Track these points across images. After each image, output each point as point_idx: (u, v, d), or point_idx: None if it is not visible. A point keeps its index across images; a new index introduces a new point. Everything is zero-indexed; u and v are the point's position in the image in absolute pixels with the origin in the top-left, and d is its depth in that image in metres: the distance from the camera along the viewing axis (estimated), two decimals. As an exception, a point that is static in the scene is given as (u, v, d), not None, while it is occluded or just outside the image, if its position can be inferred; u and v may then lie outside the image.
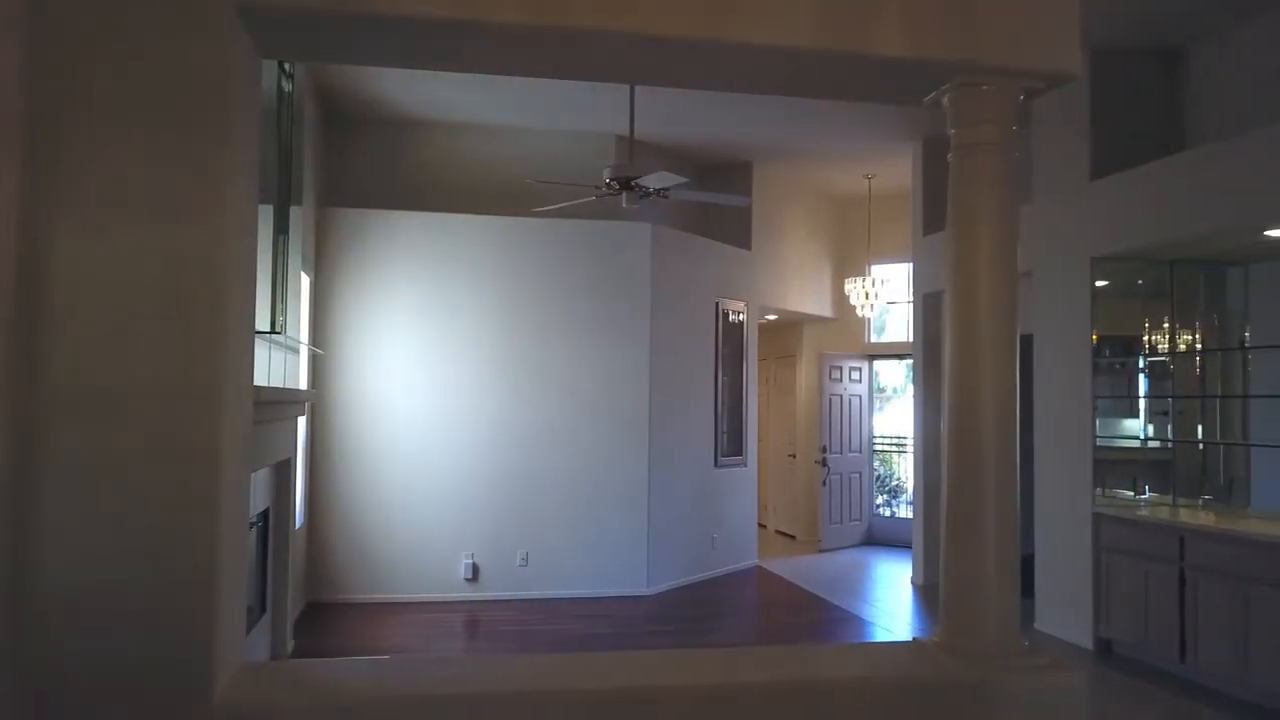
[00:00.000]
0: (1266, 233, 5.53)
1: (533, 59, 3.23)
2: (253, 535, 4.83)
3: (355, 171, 8.20)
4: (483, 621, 7.15)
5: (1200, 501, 6.32)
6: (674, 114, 8.03)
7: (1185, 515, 5.97)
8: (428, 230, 7.77)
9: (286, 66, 5.37)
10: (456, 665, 3.24)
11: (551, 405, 7.84)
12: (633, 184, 6.29)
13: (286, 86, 5.40)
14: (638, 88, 6.63)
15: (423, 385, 7.67)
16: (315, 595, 7.42)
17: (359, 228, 7.67)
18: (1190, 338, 6.58)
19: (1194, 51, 6.38)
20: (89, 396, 2.59)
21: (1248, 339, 6.30)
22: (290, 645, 5.76)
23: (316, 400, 7.39)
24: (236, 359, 2.86)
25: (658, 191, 6.40)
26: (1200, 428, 6.55)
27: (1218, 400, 6.47)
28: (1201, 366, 6.56)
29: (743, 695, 2.94)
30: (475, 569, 7.71)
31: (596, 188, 6.47)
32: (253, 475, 4.33)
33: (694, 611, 7.62)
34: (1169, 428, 6.65)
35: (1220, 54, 6.18)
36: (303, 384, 6.82)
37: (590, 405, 7.91)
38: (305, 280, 6.99)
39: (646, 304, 8.07)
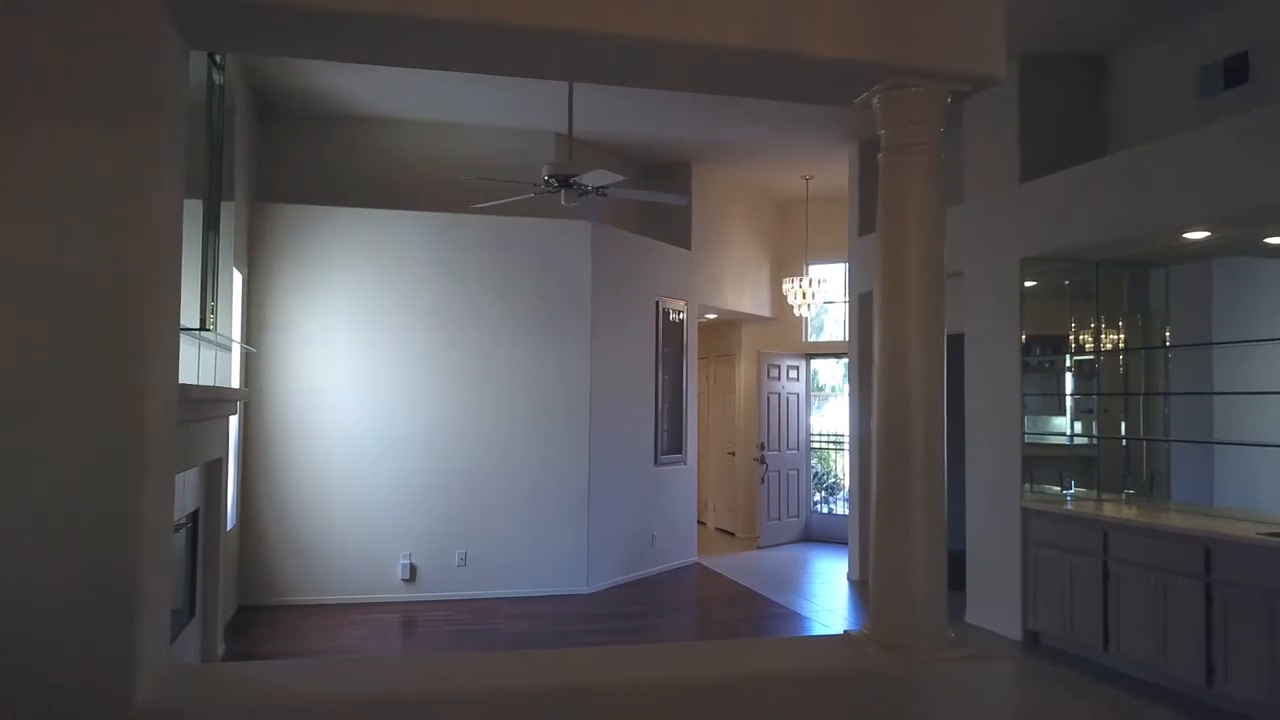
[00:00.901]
0: (1185, 235, 5.72)
1: (468, 55, 3.21)
2: (180, 537, 4.73)
3: (290, 166, 8.06)
4: (420, 622, 7.08)
5: (1123, 496, 6.51)
6: (614, 112, 8.03)
7: (1109, 509, 6.15)
8: (365, 227, 7.67)
9: (217, 58, 5.26)
10: (390, 666, 3.21)
11: (491, 404, 7.80)
12: (571, 182, 6.28)
13: (217, 78, 5.29)
14: (577, 85, 6.62)
15: (359, 384, 7.57)
16: (248, 598, 7.28)
17: (294, 224, 7.54)
18: (1115, 337, 6.78)
19: (1116, 59, 6.57)
20: (3, 396, 2.51)
21: (1168, 338, 6.51)
22: (221, 649, 5.65)
23: (249, 399, 7.26)
24: (161, 356, 2.80)
25: (596, 189, 6.40)
26: (1124, 424, 6.75)
27: (1140, 398, 6.67)
28: (1125, 365, 6.76)
29: (680, 691, 2.96)
30: (413, 569, 7.63)
31: (535, 185, 6.45)
32: (181, 476, 4.23)
33: (633, 609, 7.64)
34: (1094, 425, 6.84)
35: (1140, 61, 6.37)
36: (235, 382, 6.69)
37: (530, 403, 7.88)
38: (237, 277, 6.85)
39: (586, 302, 8.07)
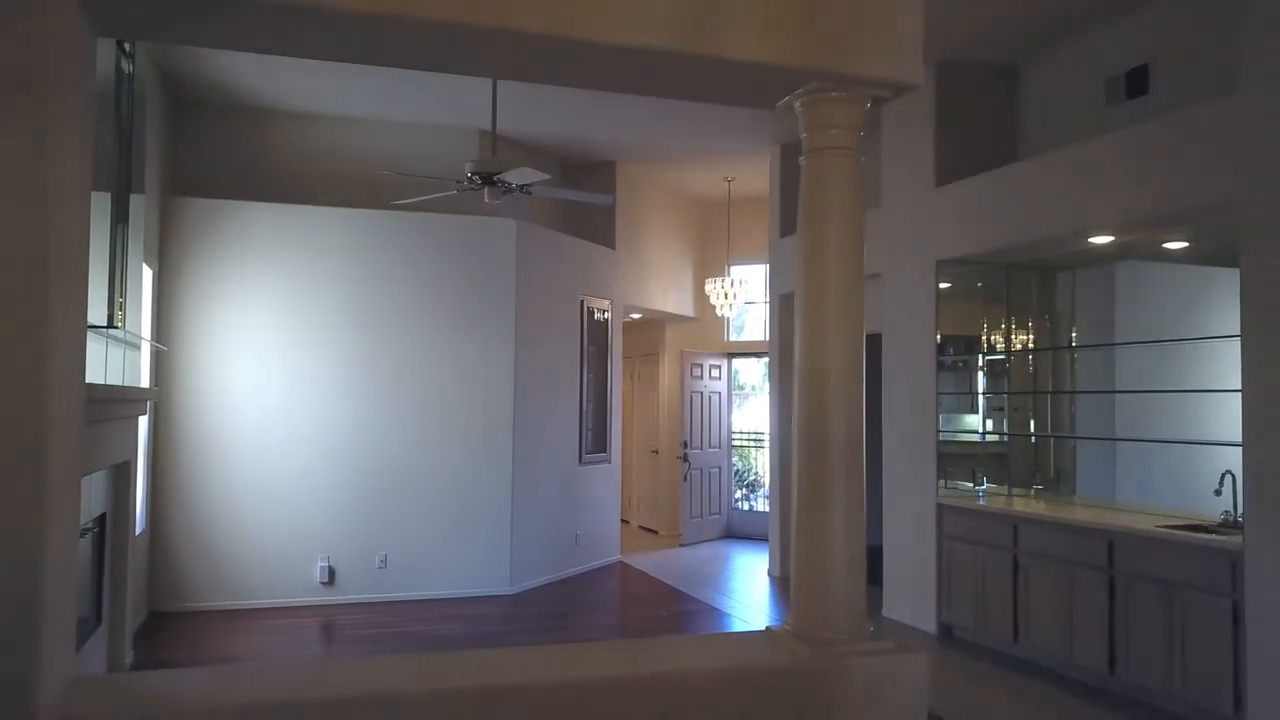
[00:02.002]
0: (1090, 240, 5.94)
1: (383, 49, 3.16)
2: (86, 542, 4.56)
3: (204, 160, 7.83)
4: (339, 626, 6.96)
5: (1033, 491, 6.74)
6: (538, 110, 8.00)
7: (1019, 504, 6.36)
8: (283, 222, 7.50)
9: (127, 46, 5.09)
10: (306, 670, 3.15)
11: (413, 403, 7.69)
12: (495, 179, 6.24)
13: (126, 67, 5.12)
14: (502, 83, 6.58)
15: (277, 383, 7.40)
16: (159, 604, 7.06)
17: (208, 218, 7.33)
18: (1024, 337, 7.01)
19: (1028, 69, 6.79)
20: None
21: (1074, 339, 6.75)
22: (129, 658, 5.46)
23: (160, 399, 7.03)
24: (65, 354, 2.69)
25: (520, 187, 6.37)
26: (1033, 422, 6.98)
27: (1048, 396, 6.91)
28: (1034, 364, 7.00)
29: (602, 688, 2.97)
30: (331, 572, 7.49)
31: (458, 182, 6.39)
32: (87, 479, 4.08)
33: (557, 609, 7.63)
34: (1005, 422, 7.07)
35: (1049, 72, 6.60)
36: (145, 382, 6.48)
37: (453, 403, 7.80)
38: (148, 272, 6.64)
39: (511, 301, 8.02)
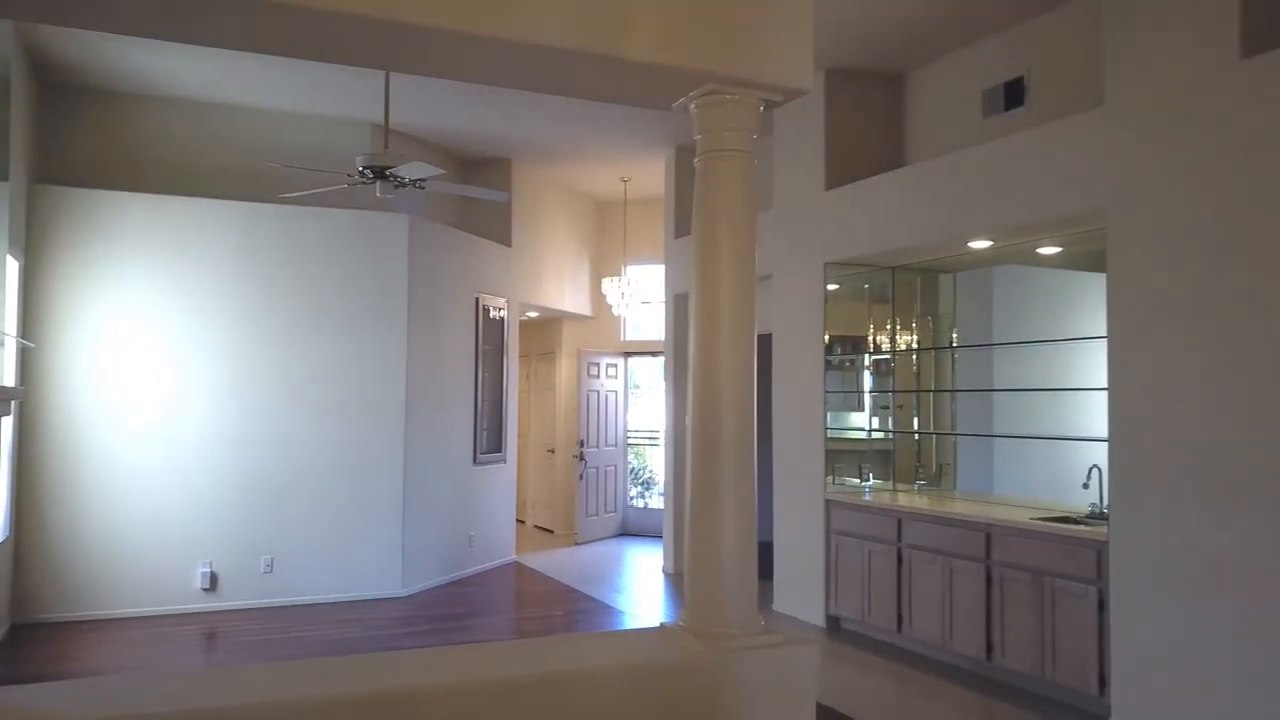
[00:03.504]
0: (970, 244, 6.19)
1: (277, 38, 3.06)
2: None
3: (78, 147, 7.43)
4: (223, 633, 6.72)
5: (916, 486, 6.98)
6: (433, 105, 7.88)
7: (903, 499, 6.58)
8: (162, 214, 7.19)
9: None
10: (184, 681, 3.02)
11: (300, 403, 7.48)
12: (387, 173, 6.11)
13: (-12, 47, 4.83)
14: (395, 76, 6.45)
15: (154, 382, 7.09)
16: (24, 615, 6.68)
17: (82, 209, 6.97)
18: (909, 338, 7.25)
19: (912, 76, 7.03)
20: None
21: (955, 339, 7.02)
22: (-10, 672, 5.16)
23: (25, 398, 6.65)
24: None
25: (413, 182, 6.26)
26: (916, 419, 7.23)
27: (931, 395, 7.17)
28: (918, 364, 7.25)
29: (497, 690, 2.95)
30: (213, 577, 7.22)
31: (349, 176, 6.24)
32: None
33: (450, 610, 7.53)
34: (890, 420, 7.30)
35: (933, 80, 6.84)
36: (8, 379, 6.12)
37: (342, 402, 7.62)
38: (12, 264, 6.28)
39: (403, 297, 7.87)
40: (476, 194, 7.27)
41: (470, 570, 8.80)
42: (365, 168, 6.11)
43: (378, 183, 6.15)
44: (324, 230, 7.63)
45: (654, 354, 11.62)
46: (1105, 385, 4.83)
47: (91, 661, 5.93)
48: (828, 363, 6.97)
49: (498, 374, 9.39)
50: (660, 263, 10.13)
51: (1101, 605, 4.80)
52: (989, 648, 5.44)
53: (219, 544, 7.24)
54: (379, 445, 7.74)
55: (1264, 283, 4.09)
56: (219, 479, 7.24)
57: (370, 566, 7.71)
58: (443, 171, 6.32)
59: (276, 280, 7.47)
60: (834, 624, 6.78)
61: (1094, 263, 5.10)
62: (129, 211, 7.10)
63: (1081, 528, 5.08)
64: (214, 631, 6.75)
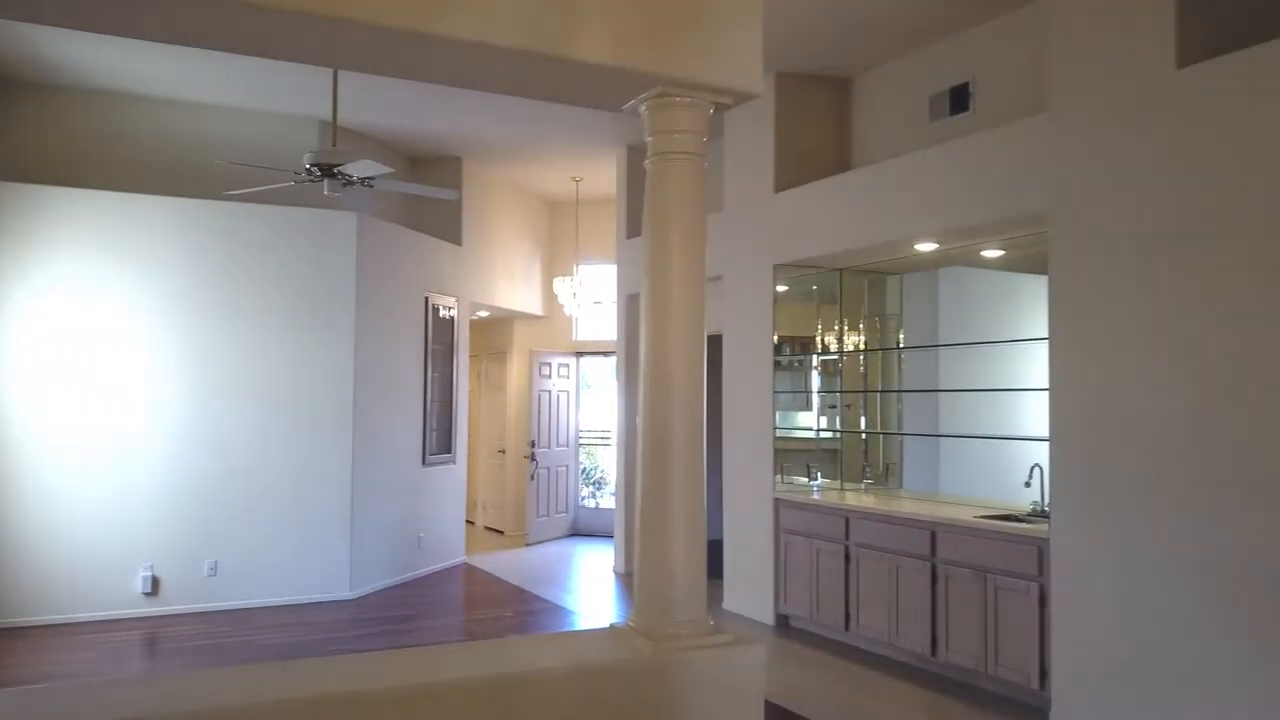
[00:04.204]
0: (916, 246, 6.28)
1: (220, 33, 3.00)
2: None
3: (19, 142, 7.23)
4: (165, 638, 6.58)
5: (863, 485, 7.07)
6: (382, 102, 7.80)
7: (850, 498, 6.66)
8: (102, 211, 7.02)
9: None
10: (121, 688, 2.96)
11: (245, 403, 7.36)
12: (335, 171, 6.05)
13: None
14: (345, 73, 6.38)
15: (93, 382, 6.93)
16: (-46, 622, 6.50)
17: (15, 204, 6.78)
18: (856, 339, 7.35)
19: (860, 81, 7.12)
20: None
21: (902, 340, 7.13)
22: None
23: (-43, 399, 6.47)
24: None
25: (362, 180, 6.19)
26: (863, 419, 7.33)
27: (878, 395, 7.27)
28: (865, 364, 7.34)
29: (446, 692, 2.93)
30: (155, 581, 7.08)
31: (296, 173, 6.16)
32: None
33: (399, 612, 7.47)
34: (837, 420, 7.39)
35: (880, 85, 6.94)
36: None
37: (288, 403, 7.51)
38: (-58, 261, 6.10)
39: (351, 297, 7.78)
40: (426, 192, 7.22)
41: (419, 572, 8.73)
42: (313, 165, 6.03)
43: (325, 181, 6.08)
44: (270, 228, 7.51)
45: (606, 354, 11.62)
46: (1047, 385, 4.93)
47: (25, 670, 5.77)
48: (777, 363, 7.03)
49: (448, 374, 9.32)
50: (612, 263, 10.14)
51: (1042, 601, 4.90)
52: (934, 643, 5.53)
53: (160, 547, 7.10)
54: (326, 446, 7.65)
55: (1201, 286, 4.21)
56: (161, 480, 7.10)
57: (317, 569, 7.61)
58: (391, 170, 6.27)
59: (221, 279, 7.34)
60: (783, 622, 6.84)
61: (1037, 265, 5.21)
62: (69, 207, 6.92)
63: (1023, 525, 5.19)
64: (155, 637, 6.61)
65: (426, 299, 8.94)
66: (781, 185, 6.97)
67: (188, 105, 7.83)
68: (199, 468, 7.21)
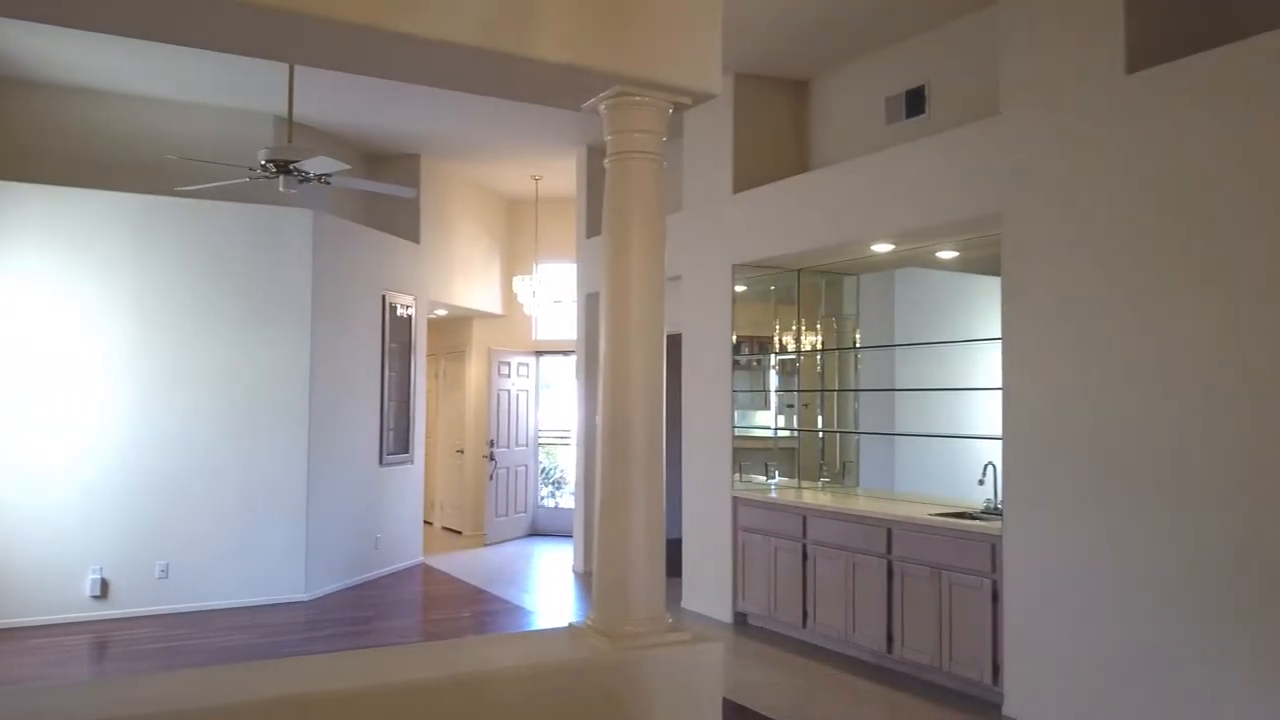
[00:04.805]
0: (872, 247, 6.35)
1: (174, 26, 2.96)
2: None
3: (-47, 133, 7.07)
4: (115, 642, 6.46)
5: (820, 484, 7.13)
6: (340, 98, 7.72)
7: (808, 497, 6.72)
8: (48, 206, 6.87)
9: None
10: (69, 693, 2.90)
11: (197, 402, 7.24)
12: (291, 168, 5.97)
13: None
14: (302, 69, 6.30)
15: (38, 381, 6.77)
16: (-107, 627, 6.32)
17: (-43, 198, 6.62)
18: (813, 339, 7.41)
19: (818, 83, 7.18)
20: None
21: (858, 340, 7.20)
22: None
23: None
24: None
25: (318, 177, 6.12)
26: (820, 418, 7.39)
27: (835, 394, 7.34)
28: (822, 364, 7.41)
29: (404, 693, 2.91)
30: (104, 584, 6.94)
31: (250, 169, 6.07)
32: None
33: (356, 614, 7.39)
34: (795, 419, 7.44)
35: (837, 87, 7.00)
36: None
37: (242, 402, 7.40)
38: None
39: (306, 294, 7.68)
40: (383, 190, 7.16)
41: (376, 573, 8.65)
42: (268, 161, 5.95)
43: (281, 177, 6.00)
44: (224, 225, 7.40)
45: (565, 353, 11.60)
46: (1000, 385, 5.01)
47: (-30, 675, 5.65)
48: (735, 362, 7.07)
49: (405, 373, 9.25)
50: (572, 262, 10.12)
51: (995, 597, 4.98)
52: (890, 640, 5.60)
53: (110, 549, 6.96)
54: (281, 446, 7.55)
55: (1151, 287, 4.31)
56: (111, 480, 6.96)
57: (272, 570, 7.51)
58: (348, 167, 6.21)
59: (174, 276, 7.21)
60: (741, 619, 6.88)
61: (990, 266, 5.30)
62: (15, 202, 6.76)
63: (977, 523, 5.27)
64: (105, 640, 6.49)
65: (384, 297, 8.86)
66: (740, 186, 7.01)
67: (141, 100, 7.69)
68: (151, 468, 7.08)
